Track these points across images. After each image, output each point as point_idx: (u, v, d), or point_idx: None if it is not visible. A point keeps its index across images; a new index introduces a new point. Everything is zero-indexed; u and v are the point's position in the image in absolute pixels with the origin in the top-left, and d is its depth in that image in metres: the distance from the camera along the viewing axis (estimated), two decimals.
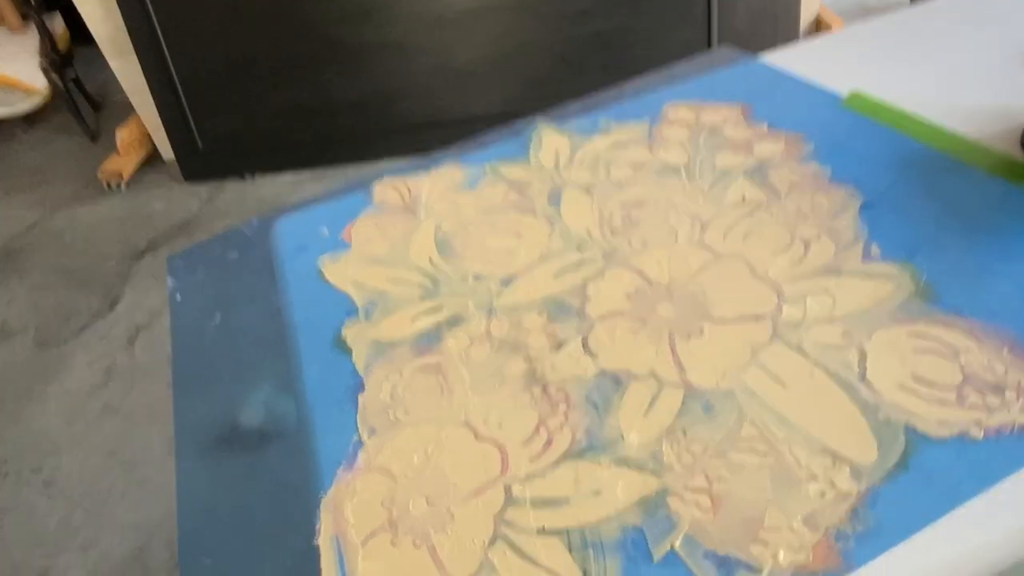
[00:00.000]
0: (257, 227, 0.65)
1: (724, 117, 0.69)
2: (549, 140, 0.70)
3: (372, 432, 0.46)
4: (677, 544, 0.38)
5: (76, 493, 1.44)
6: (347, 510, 0.43)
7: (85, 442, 1.53)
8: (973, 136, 0.61)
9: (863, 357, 0.45)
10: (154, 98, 1.97)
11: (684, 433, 0.43)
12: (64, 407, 1.61)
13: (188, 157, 2.12)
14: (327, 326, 0.54)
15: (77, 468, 1.48)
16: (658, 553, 0.38)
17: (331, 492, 0.43)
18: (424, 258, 0.59)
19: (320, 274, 0.59)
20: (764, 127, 0.66)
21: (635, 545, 0.38)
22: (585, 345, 0.49)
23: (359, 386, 0.49)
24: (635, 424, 0.44)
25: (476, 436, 0.45)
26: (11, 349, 1.76)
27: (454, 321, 0.53)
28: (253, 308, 0.57)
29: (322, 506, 0.43)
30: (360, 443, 0.46)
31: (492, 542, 0.40)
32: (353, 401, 0.48)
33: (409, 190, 0.66)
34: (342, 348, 0.52)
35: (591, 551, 0.39)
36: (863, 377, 0.44)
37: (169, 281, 0.62)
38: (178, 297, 0.60)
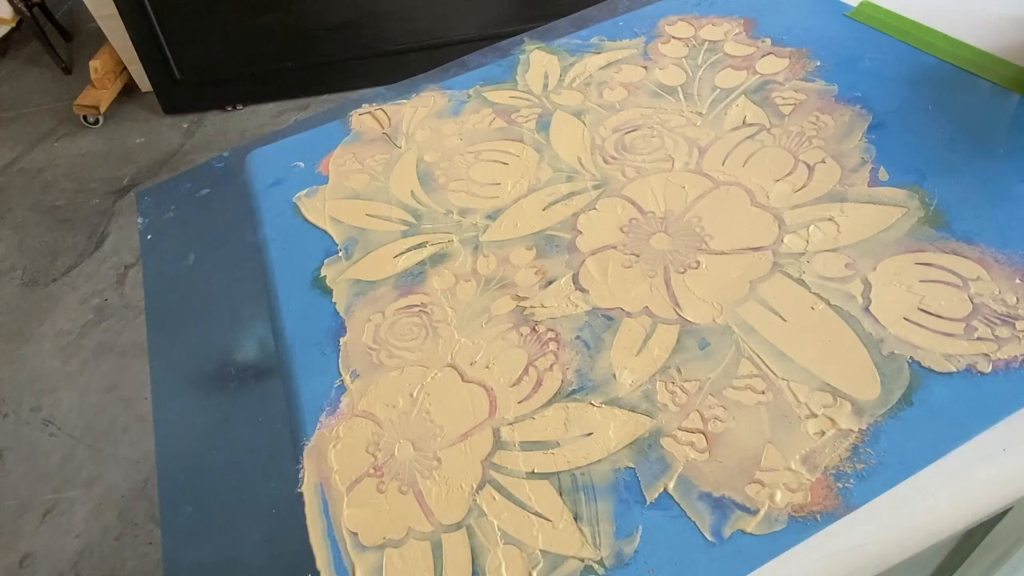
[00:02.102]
0: (229, 161, 0.61)
1: (725, 32, 0.64)
2: (537, 60, 0.66)
3: (355, 376, 0.45)
4: (671, 486, 0.37)
5: (77, 430, 1.45)
6: (331, 456, 0.41)
7: (82, 380, 1.53)
8: (988, 48, 0.57)
9: (867, 288, 0.43)
10: (125, 24, 1.87)
11: (679, 371, 0.41)
12: (58, 346, 1.60)
13: (166, 88, 2.03)
14: (305, 266, 0.51)
15: (76, 406, 1.49)
16: (651, 495, 0.37)
17: (313, 438, 0.42)
18: (406, 192, 0.56)
19: (296, 210, 0.56)
20: (767, 42, 0.62)
21: (628, 488, 0.37)
22: (575, 281, 0.47)
23: (340, 328, 0.47)
24: (627, 363, 0.42)
25: (463, 378, 0.43)
26: None
27: (438, 258, 0.50)
28: (227, 247, 0.54)
29: (305, 453, 0.42)
30: (343, 387, 0.44)
31: (481, 487, 0.39)
32: (334, 344, 0.46)
33: (389, 118, 0.63)
34: (321, 288, 0.50)
35: (582, 494, 0.38)
36: (867, 309, 0.42)
37: (140, 220, 0.59)
38: (149, 237, 0.57)
